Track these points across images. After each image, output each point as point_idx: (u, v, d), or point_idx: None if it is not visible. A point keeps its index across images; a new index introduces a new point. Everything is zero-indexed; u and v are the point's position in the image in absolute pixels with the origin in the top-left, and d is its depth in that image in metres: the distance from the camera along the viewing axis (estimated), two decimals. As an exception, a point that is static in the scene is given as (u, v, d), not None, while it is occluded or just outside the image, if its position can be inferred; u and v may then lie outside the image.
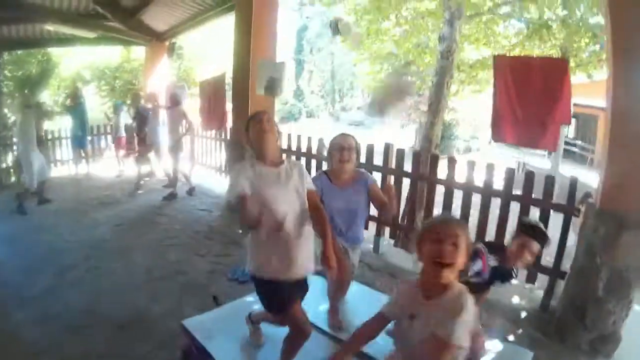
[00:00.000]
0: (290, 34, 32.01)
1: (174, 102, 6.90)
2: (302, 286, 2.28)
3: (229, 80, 6.71)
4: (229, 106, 6.88)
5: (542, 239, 2.41)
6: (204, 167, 8.77)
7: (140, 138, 7.62)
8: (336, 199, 2.84)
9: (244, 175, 2.05)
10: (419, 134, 15.20)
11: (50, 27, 7.77)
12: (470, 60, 9.01)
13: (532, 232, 2.41)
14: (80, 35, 8.51)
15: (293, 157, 5.64)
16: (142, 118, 7.43)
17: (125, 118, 8.81)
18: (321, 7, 14.56)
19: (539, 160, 15.63)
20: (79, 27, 8.17)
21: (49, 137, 9.28)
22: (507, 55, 6.59)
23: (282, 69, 5.45)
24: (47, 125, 8.98)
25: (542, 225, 2.49)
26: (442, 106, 6.15)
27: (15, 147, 7.72)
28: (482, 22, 7.70)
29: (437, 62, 6.23)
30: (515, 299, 3.75)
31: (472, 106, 15.43)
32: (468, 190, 4.04)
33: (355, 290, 3.31)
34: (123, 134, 8.74)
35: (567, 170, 11.38)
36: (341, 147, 2.85)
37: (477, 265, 2.33)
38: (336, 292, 3.03)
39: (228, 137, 7.54)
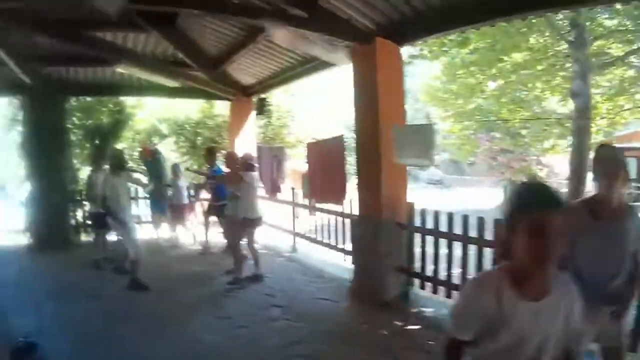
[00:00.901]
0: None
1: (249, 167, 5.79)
2: None
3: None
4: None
5: None
6: (314, 243, 7.22)
7: (212, 204, 7.21)
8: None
9: (478, 309, 1.34)
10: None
11: (123, 70, 6.98)
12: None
13: None
14: (158, 82, 7.95)
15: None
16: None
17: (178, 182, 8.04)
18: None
19: None
20: (156, 73, 7.36)
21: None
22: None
23: (431, 133, 4.55)
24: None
25: None
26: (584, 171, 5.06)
27: (89, 206, 7.40)
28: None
29: (572, 121, 5.20)
30: None
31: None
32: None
33: None
34: (185, 200, 8.04)
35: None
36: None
37: None
38: None
39: (351, 211, 6.08)
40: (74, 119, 10.96)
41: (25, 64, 6.84)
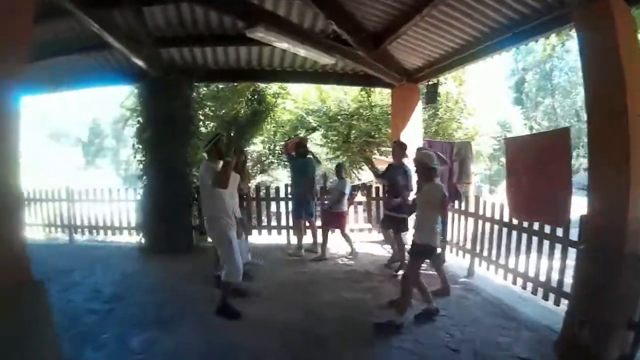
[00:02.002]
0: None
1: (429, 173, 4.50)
2: None
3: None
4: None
5: None
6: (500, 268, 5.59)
7: (390, 215, 6.08)
8: None
9: None
10: None
11: (262, 34, 5.55)
12: None
13: None
14: (303, 65, 7.21)
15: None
16: (396, 180, 5.78)
17: (344, 186, 7.00)
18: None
19: None
20: (307, 43, 6.07)
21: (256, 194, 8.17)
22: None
23: None
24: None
25: None
26: None
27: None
28: None
29: None
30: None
31: None
32: None
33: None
34: (345, 207, 7.02)
35: None
36: None
37: None
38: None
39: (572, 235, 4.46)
40: (206, 109, 10.51)
41: (139, 47, 6.52)
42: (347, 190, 6.95)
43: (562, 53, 29.30)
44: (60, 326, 3.79)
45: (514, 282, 5.29)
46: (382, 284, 5.63)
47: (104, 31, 5.92)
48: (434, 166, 4.25)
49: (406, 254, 5.92)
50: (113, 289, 5.39)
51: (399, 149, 6.06)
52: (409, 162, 5.57)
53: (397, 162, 6.02)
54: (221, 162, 4.26)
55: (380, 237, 7.58)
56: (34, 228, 9.02)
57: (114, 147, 43.30)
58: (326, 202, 7.43)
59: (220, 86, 10.80)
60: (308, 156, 7.17)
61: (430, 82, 7.62)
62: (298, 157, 7.15)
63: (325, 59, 6.59)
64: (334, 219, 6.94)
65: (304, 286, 5.55)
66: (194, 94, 8.36)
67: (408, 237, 5.78)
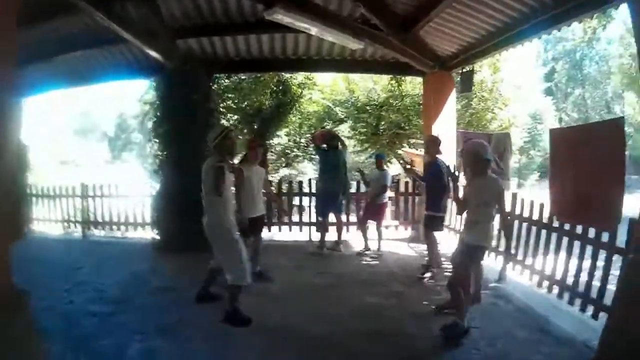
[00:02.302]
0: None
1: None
2: None
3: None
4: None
5: None
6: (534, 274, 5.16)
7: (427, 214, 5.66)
8: None
9: None
10: None
11: (281, 16, 5.22)
12: None
13: None
14: (330, 53, 6.91)
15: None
16: (439, 176, 5.41)
17: (386, 178, 6.80)
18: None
19: None
20: (333, 27, 5.75)
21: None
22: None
23: None
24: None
25: None
26: None
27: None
28: None
29: None
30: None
31: None
32: None
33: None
34: (385, 199, 6.90)
35: None
36: None
37: None
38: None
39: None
40: (229, 102, 10.23)
41: (153, 39, 6.28)
42: (389, 182, 6.83)
43: (592, 42, 29.26)
44: (55, 330, 3.60)
45: (549, 290, 4.80)
46: (409, 288, 5.23)
47: (115, 24, 5.71)
48: (487, 157, 3.81)
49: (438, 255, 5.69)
50: (118, 289, 5.13)
51: (433, 144, 5.64)
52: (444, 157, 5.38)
53: (431, 158, 5.61)
54: (229, 162, 4.00)
55: (407, 234, 7.39)
56: (51, 223, 9.07)
57: (141, 141, 44.11)
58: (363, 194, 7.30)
59: (242, 77, 10.45)
60: (339, 148, 6.83)
61: (464, 69, 7.17)
62: (329, 148, 6.79)
63: (353, 44, 6.25)
64: (375, 211, 6.81)
65: (325, 290, 5.18)
66: (215, 86, 8.14)
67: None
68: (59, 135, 37.86)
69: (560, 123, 28.51)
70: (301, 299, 4.89)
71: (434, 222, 5.60)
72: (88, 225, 8.67)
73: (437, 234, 5.69)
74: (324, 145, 6.86)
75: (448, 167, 4.83)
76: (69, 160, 36.33)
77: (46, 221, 9.12)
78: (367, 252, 6.76)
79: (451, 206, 6.28)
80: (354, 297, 4.94)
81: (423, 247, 6.63)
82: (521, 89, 12.29)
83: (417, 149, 10.44)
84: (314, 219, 7.70)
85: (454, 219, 6.81)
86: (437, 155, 5.59)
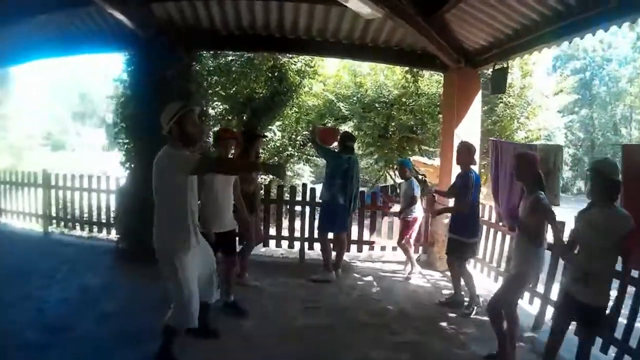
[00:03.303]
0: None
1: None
2: None
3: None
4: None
5: None
6: None
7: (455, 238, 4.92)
8: None
9: None
10: None
11: None
12: None
13: None
14: (336, 35, 6.06)
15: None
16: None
17: (412, 188, 6.04)
18: None
19: None
20: None
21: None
22: None
23: None
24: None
25: None
26: None
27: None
28: None
29: None
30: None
31: None
32: None
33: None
34: (415, 212, 6.09)
35: None
36: None
37: None
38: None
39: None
40: (218, 88, 9.34)
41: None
42: (417, 193, 6.10)
43: (602, 62, 31.95)
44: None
45: (604, 349, 3.79)
46: (427, 336, 4.24)
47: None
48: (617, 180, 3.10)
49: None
50: (63, 310, 4.30)
51: (467, 152, 4.93)
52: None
53: (465, 169, 4.92)
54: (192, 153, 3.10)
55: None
56: (11, 215, 8.19)
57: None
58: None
59: (231, 58, 9.55)
60: (354, 152, 6.01)
61: (497, 67, 6.26)
62: (343, 151, 5.84)
63: (369, 11, 5.27)
64: (404, 227, 6.16)
65: (315, 335, 4.18)
66: (198, 66, 7.24)
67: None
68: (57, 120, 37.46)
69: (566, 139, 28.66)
70: (279, 346, 3.92)
71: (461, 249, 4.86)
72: (49, 220, 7.73)
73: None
74: (335, 148, 5.95)
75: None
76: (67, 146, 36.02)
77: (8, 213, 8.21)
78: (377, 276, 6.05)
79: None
80: (352, 349, 3.96)
81: (437, 276, 5.88)
82: (549, 99, 11.29)
83: (430, 158, 9.59)
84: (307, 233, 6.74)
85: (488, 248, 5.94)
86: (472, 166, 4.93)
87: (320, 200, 6.20)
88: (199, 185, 3.43)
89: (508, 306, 3.58)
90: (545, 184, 3.65)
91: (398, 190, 6.97)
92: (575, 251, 3.19)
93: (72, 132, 38.82)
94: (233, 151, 4.85)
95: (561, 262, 3.98)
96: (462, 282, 4.98)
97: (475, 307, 4.81)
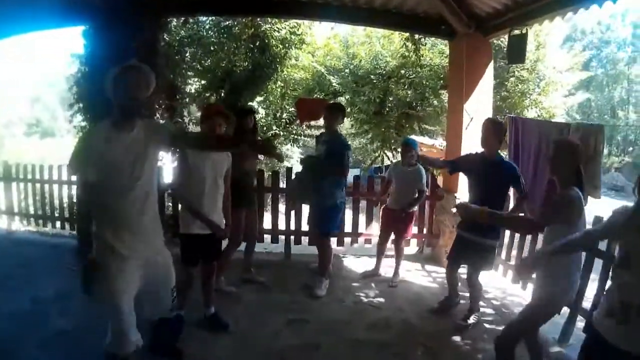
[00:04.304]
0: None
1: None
2: None
3: None
4: None
5: None
6: None
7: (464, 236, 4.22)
8: None
9: None
10: None
11: None
12: None
13: None
14: None
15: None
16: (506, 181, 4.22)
17: (421, 176, 5.23)
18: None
19: None
20: None
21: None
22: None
23: None
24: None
25: None
26: None
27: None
28: None
29: None
30: None
31: None
32: None
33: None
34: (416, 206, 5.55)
35: None
36: None
37: None
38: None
39: None
40: (193, 61, 8.72)
41: None
42: (425, 184, 5.42)
43: (600, 44, 34.36)
44: None
45: None
46: (437, 352, 3.70)
47: None
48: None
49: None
50: (9, 327, 3.81)
51: (496, 131, 4.11)
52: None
53: (491, 152, 4.11)
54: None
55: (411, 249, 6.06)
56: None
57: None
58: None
59: (205, 26, 8.91)
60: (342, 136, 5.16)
61: (514, 33, 5.68)
62: (329, 131, 4.96)
63: None
64: (401, 222, 5.28)
65: (300, 356, 3.62)
66: (167, 36, 6.64)
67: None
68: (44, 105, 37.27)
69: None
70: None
71: (479, 255, 4.12)
72: (12, 216, 7.35)
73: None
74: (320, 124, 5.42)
75: None
76: (56, 132, 36.59)
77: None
78: (376, 278, 5.33)
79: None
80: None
81: (444, 272, 5.08)
82: (562, 74, 10.66)
83: (431, 137, 9.03)
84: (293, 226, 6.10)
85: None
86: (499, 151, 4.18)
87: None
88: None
89: (527, 337, 3.06)
90: (583, 175, 3.00)
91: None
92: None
93: (61, 118, 38.47)
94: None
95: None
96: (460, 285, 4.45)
97: (477, 316, 4.25)
